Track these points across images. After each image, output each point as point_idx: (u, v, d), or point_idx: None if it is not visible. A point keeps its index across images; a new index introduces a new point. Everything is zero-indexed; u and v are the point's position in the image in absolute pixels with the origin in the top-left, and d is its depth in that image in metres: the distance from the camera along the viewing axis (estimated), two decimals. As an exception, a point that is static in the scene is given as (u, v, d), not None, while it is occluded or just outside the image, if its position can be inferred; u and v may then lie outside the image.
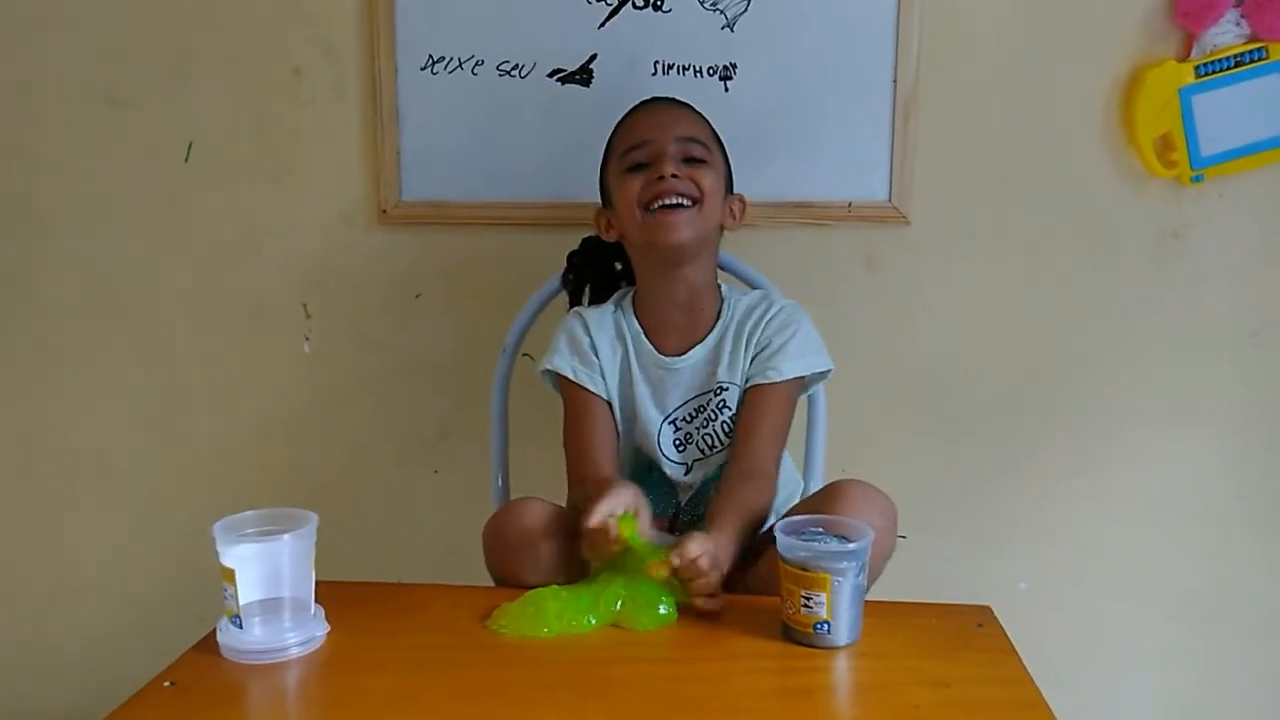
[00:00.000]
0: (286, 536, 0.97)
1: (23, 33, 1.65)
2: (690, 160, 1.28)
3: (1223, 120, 1.52)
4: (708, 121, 1.34)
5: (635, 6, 1.54)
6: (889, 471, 1.62)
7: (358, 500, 1.70)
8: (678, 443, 1.32)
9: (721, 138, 1.35)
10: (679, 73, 1.56)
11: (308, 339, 1.69)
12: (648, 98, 1.37)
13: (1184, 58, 1.52)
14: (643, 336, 1.33)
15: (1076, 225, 1.58)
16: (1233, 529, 1.63)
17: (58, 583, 1.78)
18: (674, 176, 1.25)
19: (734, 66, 1.56)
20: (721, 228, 1.34)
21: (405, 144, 1.62)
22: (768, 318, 1.31)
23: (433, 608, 1.07)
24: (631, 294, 1.38)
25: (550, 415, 1.66)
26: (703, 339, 1.32)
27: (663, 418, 1.32)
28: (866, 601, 0.99)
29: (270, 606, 0.98)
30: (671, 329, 1.33)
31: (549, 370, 1.35)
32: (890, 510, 1.11)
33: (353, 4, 1.58)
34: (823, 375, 1.33)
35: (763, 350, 1.29)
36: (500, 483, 1.48)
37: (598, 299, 1.43)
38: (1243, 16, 1.50)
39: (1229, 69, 1.51)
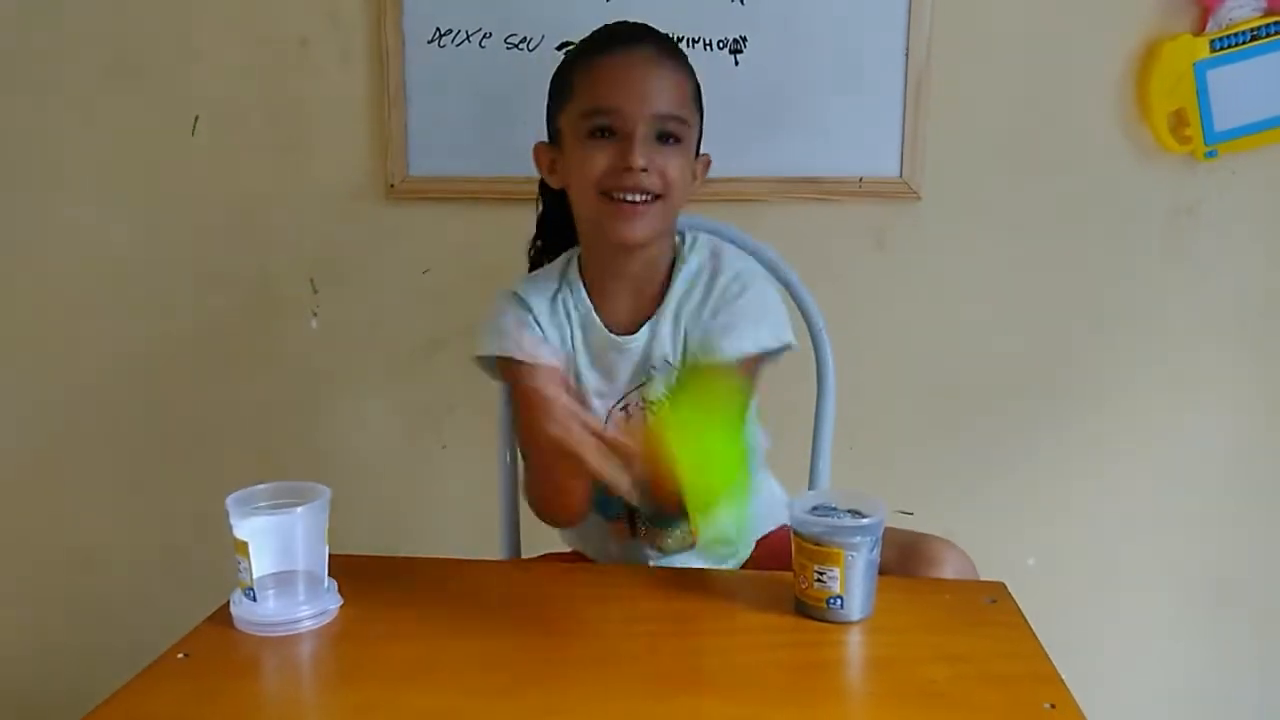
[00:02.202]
0: (300, 509, 0.97)
1: (28, 2, 1.63)
2: (663, 137, 1.10)
3: (1237, 95, 1.51)
4: (689, 73, 1.15)
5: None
6: (898, 449, 1.63)
7: (365, 475, 1.70)
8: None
9: (700, 86, 1.16)
10: (688, 46, 1.55)
11: (315, 314, 1.69)
12: (623, 35, 1.15)
13: (1199, 31, 1.51)
14: (593, 314, 1.16)
15: (1089, 201, 1.57)
16: (1243, 507, 1.64)
17: (65, 557, 1.79)
18: (643, 170, 1.07)
19: (744, 40, 1.54)
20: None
21: (412, 118, 1.61)
22: (715, 290, 1.14)
23: (445, 581, 1.07)
24: (577, 257, 1.20)
25: (559, 391, 1.65)
26: (654, 312, 1.15)
27: (614, 402, 1.16)
28: (879, 577, 0.98)
29: (284, 579, 0.98)
30: (622, 301, 1.16)
31: (487, 356, 1.15)
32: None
33: (359, -25, 1.57)
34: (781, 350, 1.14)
35: (703, 329, 1.13)
36: (508, 458, 1.48)
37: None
38: (1259, -10, 1.49)
39: (1244, 43, 1.50)
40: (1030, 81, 1.55)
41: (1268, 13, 1.49)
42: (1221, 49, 1.50)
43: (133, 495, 1.76)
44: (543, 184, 1.23)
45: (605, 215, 1.10)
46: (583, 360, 1.17)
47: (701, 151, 1.19)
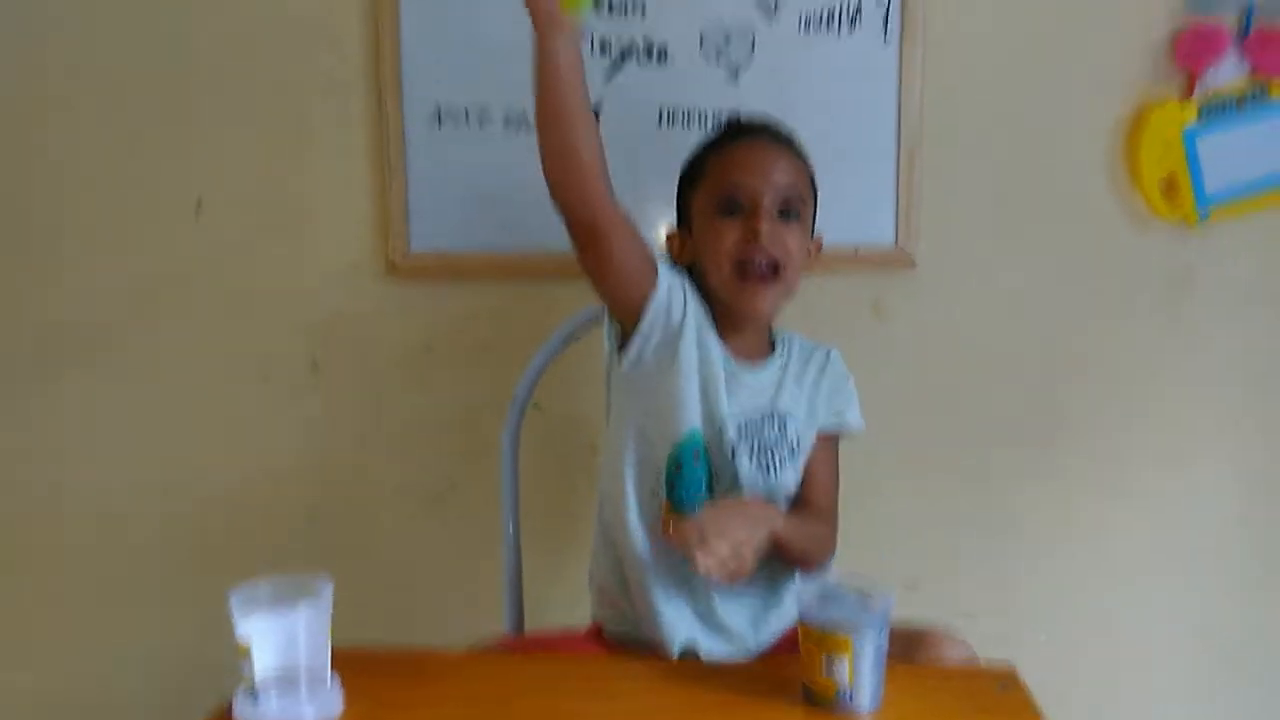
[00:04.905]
0: (302, 608, 0.96)
1: (28, 78, 1.65)
2: (786, 213, 1.25)
3: (1227, 161, 1.53)
4: (805, 161, 1.31)
5: (639, 59, 1.56)
6: (899, 519, 1.62)
7: (367, 554, 1.69)
8: (730, 445, 1.27)
9: (814, 174, 1.31)
10: (684, 121, 1.57)
11: (316, 393, 1.68)
12: (749, 127, 1.31)
13: (1187, 98, 1.53)
14: (716, 336, 1.28)
15: (1082, 267, 1.58)
16: (1246, 570, 1.62)
17: (63, 642, 1.76)
18: (769, 239, 1.22)
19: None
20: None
21: (413, 195, 1.62)
22: (830, 365, 1.33)
23: (450, 676, 1.06)
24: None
25: (561, 469, 1.65)
26: (765, 361, 1.30)
27: (736, 423, 1.26)
28: (887, 667, 0.97)
29: (286, 676, 0.97)
30: (735, 345, 1.29)
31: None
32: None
33: (360, 55, 1.59)
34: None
35: (834, 398, 1.32)
36: (511, 535, 1.47)
37: None
38: (1244, 55, 1.51)
39: (1232, 109, 1.52)
40: (1022, 148, 1.57)
41: (1253, 75, 1.51)
42: (1210, 115, 1.52)
43: (135, 583, 1.73)
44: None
45: (736, 291, 1.25)
46: (717, 361, 1.26)
47: (815, 233, 1.33)
